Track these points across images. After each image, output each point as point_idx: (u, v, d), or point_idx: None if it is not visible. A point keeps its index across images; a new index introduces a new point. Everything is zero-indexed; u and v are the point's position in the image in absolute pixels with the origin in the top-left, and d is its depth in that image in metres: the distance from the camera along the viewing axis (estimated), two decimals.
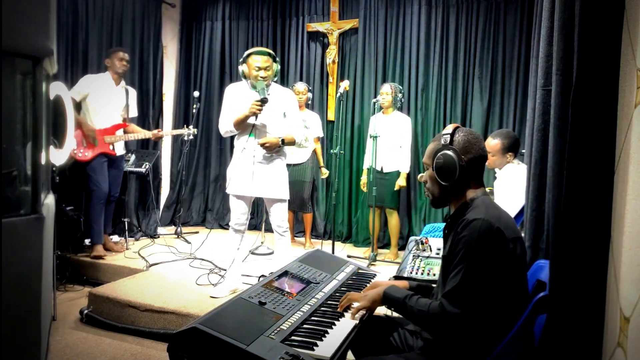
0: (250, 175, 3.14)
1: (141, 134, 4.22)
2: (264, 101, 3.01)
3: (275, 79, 3.21)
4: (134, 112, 4.31)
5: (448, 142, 1.56)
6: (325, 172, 4.88)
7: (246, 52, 3.17)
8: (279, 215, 3.23)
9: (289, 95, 3.31)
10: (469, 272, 1.41)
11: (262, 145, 3.09)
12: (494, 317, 1.44)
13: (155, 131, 4.31)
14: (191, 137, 4.71)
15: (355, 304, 1.68)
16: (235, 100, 3.19)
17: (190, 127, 4.67)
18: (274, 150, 3.16)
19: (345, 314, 1.68)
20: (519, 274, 1.51)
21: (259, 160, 3.16)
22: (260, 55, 3.10)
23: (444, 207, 1.71)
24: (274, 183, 3.18)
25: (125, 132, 4.17)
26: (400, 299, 1.57)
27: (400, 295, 1.59)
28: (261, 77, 3.08)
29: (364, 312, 1.66)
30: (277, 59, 3.21)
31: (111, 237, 4.48)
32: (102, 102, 4.03)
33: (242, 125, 3.12)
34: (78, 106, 4.01)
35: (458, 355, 1.48)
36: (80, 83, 3.99)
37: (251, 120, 3.08)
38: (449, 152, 1.54)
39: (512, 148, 3.01)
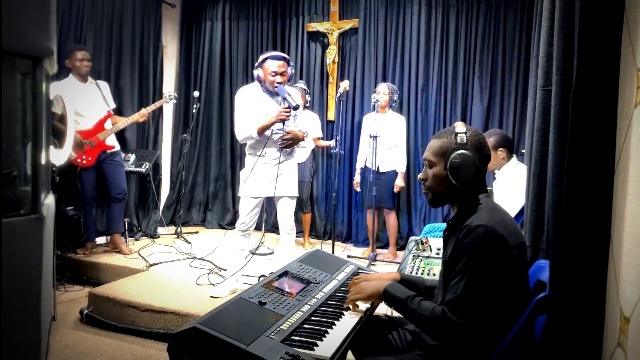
0: (266, 176, 3.14)
1: (129, 119, 4.15)
2: (295, 108, 3.01)
3: (289, 83, 3.21)
4: (111, 104, 4.23)
5: (465, 141, 1.50)
6: (325, 143, 4.82)
7: (262, 56, 3.15)
8: (287, 212, 3.23)
9: (298, 95, 3.30)
10: (472, 281, 1.39)
11: (285, 140, 3.08)
12: (495, 320, 1.43)
13: (139, 112, 4.20)
14: (174, 100, 4.55)
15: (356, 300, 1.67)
16: (251, 105, 3.18)
17: (170, 91, 4.60)
18: (296, 144, 3.18)
19: (345, 313, 1.67)
20: (522, 280, 1.50)
21: (275, 162, 3.16)
22: (276, 60, 3.08)
23: (443, 206, 1.69)
24: (285, 180, 3.19)
25: (112, 123, 4.14)
26: (401, 299, 1.54)
27: (402, 295, 1.55)
28: (278, 82, 3.06)
29: (362, 311, 1.64)
30: (292, 63, 3.21)
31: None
32: (77, 104, 3.91)
33: (265, 132, 3.10)
34: (62, 118, 3.96)
35: (458, 357, 1.48)
36: (54, 94, 3.91)
37: (277, 126, 3.07)
38: (467, 153, 1.48)
39: (502, 144, 3.00)
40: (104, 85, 4.25)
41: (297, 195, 3.30)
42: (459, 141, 1.50)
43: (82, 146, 3.96)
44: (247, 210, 3.21)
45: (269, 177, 3.15)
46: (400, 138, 4.39)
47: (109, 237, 4.39)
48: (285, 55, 3.16)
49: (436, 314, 1.43)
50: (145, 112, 4.22)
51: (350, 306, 1.68)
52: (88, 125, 4.01)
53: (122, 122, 4.13)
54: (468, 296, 1.39)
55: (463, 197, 1.56)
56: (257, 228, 5.13)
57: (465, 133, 1.52)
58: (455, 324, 1.39)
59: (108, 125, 4.10)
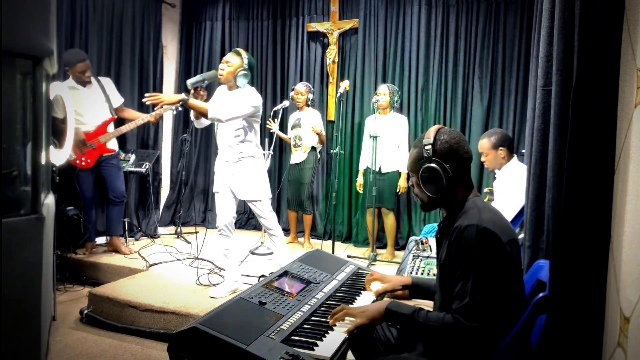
0: (222, 173, 3.24)
1: (139, 119, 4.07)
2: (188, 86, 3.04)
3: (246, 81, 3.14)
4: (118, 100, 4.17)
5: (431, 154, 1.51)
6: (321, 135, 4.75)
7: None
8: (260, 216, 3.27)
9: (245, 94, 3.15)
10: (477, 284, 1.38)
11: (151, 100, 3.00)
12: (497, 319, 1.43)
13: (153, 113, 4.06)
14: (180, 108, 4.48)
15: (351, 319, 1.56)
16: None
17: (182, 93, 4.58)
18: (169, 106, 3.07)
19: (337, 324, 1.56)
20: (517, 276, 1.50)
21: (226, 159, 3.21)
22: (232, 53, 3.17)
23: (434, 210, 1.69)
24: (244, 184, 3.19)
25: (124, 121, 4.10)
26: (407, 314, 1.49)
27: (407, 311, 1.50)
28: (219, 68, 3.15)
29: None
30: (247, 65, 3.13)
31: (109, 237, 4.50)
32: (78, 107, 3.88)
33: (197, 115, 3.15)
34: (64, 121, 3.94)
35: (458, 357, 1.48)
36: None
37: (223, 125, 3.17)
38: (434, 166, 1.50)
39: (502, 143, 3.01)
40: (107, 82, 4.18)
41: (259, 199, 3.22)
42: (425, 155, 1.53)
43: (83, 147, 3.95)
44: (217, 206, 3.29)
45: (224, 174, 3.23)
46: (403, 138, 4.38)
47: (108, 238, 4.39)
48: (238, 49, 3.20)
49: (448, 322, 1.40)
50: (159, 113, 4.14)
51: (347, 328, 1.54)
52: (87, 129, 3.98)
53: (127, 126, 4.07)
54: (477, 299, 1.38)
55: (449, 199, 1.56)
56: (257, 228, 5.15)
57: (434, 143, 1.52)
58: (469, 329, 1.37)
59: (110, 128, 4.07)
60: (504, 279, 1.42)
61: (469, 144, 1.60)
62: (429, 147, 1.52)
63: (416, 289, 1.85)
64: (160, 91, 5.47)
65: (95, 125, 4.00)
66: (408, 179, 4.44)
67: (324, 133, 4.78)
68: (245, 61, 3.12)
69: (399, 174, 4.36)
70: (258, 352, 1.30)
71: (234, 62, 3.11)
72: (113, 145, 4.14)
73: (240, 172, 3.19)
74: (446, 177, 1.49)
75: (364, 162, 4.51)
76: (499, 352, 1.44)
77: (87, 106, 3.98)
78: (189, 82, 3.03)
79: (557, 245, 1.43)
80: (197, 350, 1.35)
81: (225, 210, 3.24)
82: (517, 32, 4.57)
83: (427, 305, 1.68)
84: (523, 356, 1.48)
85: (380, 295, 1.86)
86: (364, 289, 1.95)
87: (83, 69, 3.90)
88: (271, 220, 3.27)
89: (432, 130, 1.56)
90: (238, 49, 3.23)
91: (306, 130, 4.64)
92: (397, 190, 4.38)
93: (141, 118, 4.08)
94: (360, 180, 4.54)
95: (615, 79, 1.29)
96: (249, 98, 3.12)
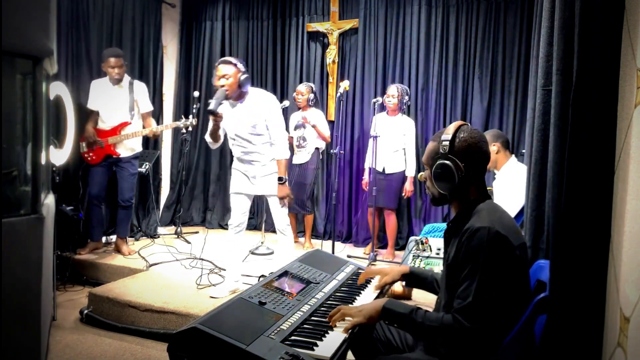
0: (244, 174, 3.27)
1: (147, 129, 4.18)
2: (210, 112, 3.00)
3: (249, 83, 3.11)
4: (145, 107, 4.22)
5: (447, 150, 1.49)
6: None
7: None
8: (276, 213, 3.29)
9: (265, 101, 3.14)
10: (482, 285, 1.37)
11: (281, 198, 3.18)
12: (500, 321, 1.42)
13: (152, 128, 4.20)
14: (190, 128, 4.57)
15: (349, 319, 1.54)
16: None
17: (190, 117, 4.55)
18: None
19: (337, 324, 1.55)
20: (524, 279, 1.50)
21: (263, 163, 3.24)
22: (222, 65, 3.06)
23: (444, 205, 1.70)
24: (270, 180, 3.22)
25: (140, 128, 4.17)
26: (404, 313, 1.47)
27: (404, 310, 1.48)
28: (220, 85, 3.04)
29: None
30: (243, 68, 3.07)
31: (111, 237, 4.52)
32: (103, 105, 4.02)
33: (216, 137, 3.20)
34: (97, 114, 4.06)
35: (459, 357, 1.48)
36: (91, 91, 4.04)
37: (221, 132, 3.20)
38: (448, 163, 1.48)
39: (495, 139, 3.03)
40: (140, 87, 4.21)
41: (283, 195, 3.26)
42: (441, 150, 1.51)
43: (93, 144, 4.01)
44: (232, 206, 3.32)
45: (246, 175, 3.27)
46: (409, 141, 4.36)
47: (108, 238, 4.41)
48: (232, 60, 3.06)
49: (447, 322, 1.40)
50: (157, 131, 4.26)
51: (345, 327, 1.53)
52: (104, 127, 4.05)
53: (134, 133, 4.10)
54: (480, 301, 1.37)
55: (460, 198, 1.56)
56: (257, 228, 5.16)
57: (452, 139, 1.50)
58: (468, 330, 1.36)
59: (128, 130, 4.06)
60: (510, 283, 1.41)
61: None
62: (447, 143, 1.50)
63: (413, 278, 1.87)
64: (161, 91, 5.46)
65: (111, 126, 4.04)
66: (414, 180, 4.49)
67: (329, 133, 4.78)
68: (240, 65, 3.07)
69: (404, 176, 4.35)
70: (258, 352, 1.30)
71: (230, 71, 3.02)
72: (122, 149, 4.10)
73: (270, 169, 3.24)
74: (459, 176, 1.48)
75: (370, 161, 4.50)
76: (500, 352, 1.44)
77: (111, 105, 4.04)
78: (211, 108, 2.97)
79: (557, 245, 1.42)
80: (197, 350, 1.35)
81: (240, 210, 3.28)
82: (517, 32, 4.57)
83: (427, 304, 1.68)
84: (524, 356, 1.48)
85: (380, 292, 1.87)
86: (364, 289, 1.95)
87: (112, 64, 3.97)
88: (285, 219, 3.30)
89: (452, 126, 1.54)
90: (225, 58, 3.16)
91: (311, 131, 4.65)
92: (403, 194, 4.37)
93: (150, 129, 4.18)
94: (366, 178, 4.53)
95: (615, 79, 1.29)
96: (275, 108, 3.18)
